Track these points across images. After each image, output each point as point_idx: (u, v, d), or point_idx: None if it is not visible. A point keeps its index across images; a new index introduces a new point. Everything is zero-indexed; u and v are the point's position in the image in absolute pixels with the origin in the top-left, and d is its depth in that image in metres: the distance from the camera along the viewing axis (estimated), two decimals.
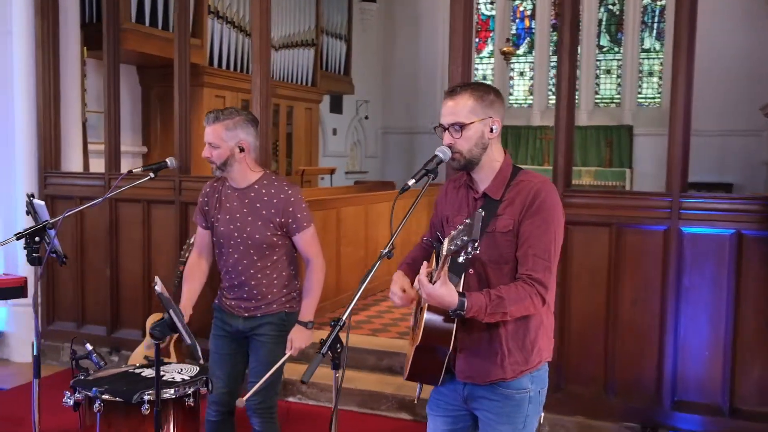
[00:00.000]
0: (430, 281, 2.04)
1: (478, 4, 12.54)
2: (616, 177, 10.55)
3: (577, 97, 11.95)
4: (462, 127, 2.22)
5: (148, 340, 4.27)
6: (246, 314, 3.07)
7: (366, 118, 11.78)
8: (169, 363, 2.85)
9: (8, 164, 5.43)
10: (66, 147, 5.57)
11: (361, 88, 10.99)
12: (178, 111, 5.02)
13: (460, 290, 2.19)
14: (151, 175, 3.00)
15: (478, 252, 1.89)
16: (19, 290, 3.38)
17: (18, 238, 2.61)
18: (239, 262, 3.04)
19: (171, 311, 1.86)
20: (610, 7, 11.75)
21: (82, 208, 2.89)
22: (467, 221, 1.87)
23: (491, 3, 12.45)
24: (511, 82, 12.47)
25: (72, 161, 5.63)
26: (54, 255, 2.78)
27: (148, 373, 2.67)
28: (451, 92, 2.27)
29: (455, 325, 2.16)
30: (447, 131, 2.25)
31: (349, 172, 11.51)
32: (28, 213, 2.80)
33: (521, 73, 12.42)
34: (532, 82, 12.21)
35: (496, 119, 2.26)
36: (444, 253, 1.91)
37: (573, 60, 4.10)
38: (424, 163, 2.23)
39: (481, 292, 2.13)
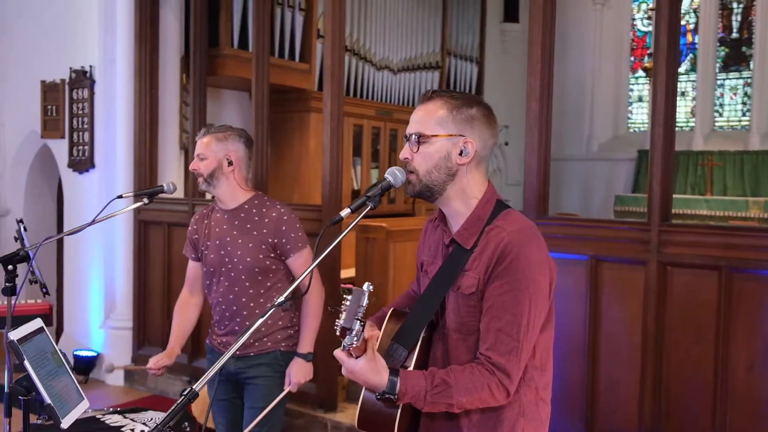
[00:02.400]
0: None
1: (634, 20, 11.56)
2: None
3: (748, 117, 10.57)
4: (421, 138, 1.74)
5: None
6: (238, 352, 2.75)
7: (506, 144, 11.18)
8: (144, 411, 2.57)
9: (110, 189, 5.56)
10: (163, 173, 5.61)
11: (500, 112, 10.36)
12: (255, 134, 4.84)
13: (411, 367, 1.71)
14: (145, 200, 2.79)
15: (357, 343, 1.43)
16: (44, 318, 3.28)
17: None
18: (230, 290, 2.76)
19: (26, 362, 1.57)
20: None
21: (57, 237, 2.72)
22: (348, 297, 1.42)
23: (648, 18, 11.42)
24: None
25: None
26: (35, 284, 2.63)
27: (113, 420, 2.40)
28: (424, 97, 1.80)
29: (400, 410, 1.67)
30: (407, 143, 1.79)
31: None
32: (16, 240, 2.68)
33: (683, 93, 11.22)
34: (694, 102, 10.98)
35: (470, 140, 1.73)
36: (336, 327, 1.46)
37: (672, 68, 3.40)
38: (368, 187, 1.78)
39: (423, 372, 1.63)
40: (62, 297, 6.15)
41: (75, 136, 5.71)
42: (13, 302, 2.51)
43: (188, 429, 1.39)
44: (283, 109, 6.91)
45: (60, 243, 6.35)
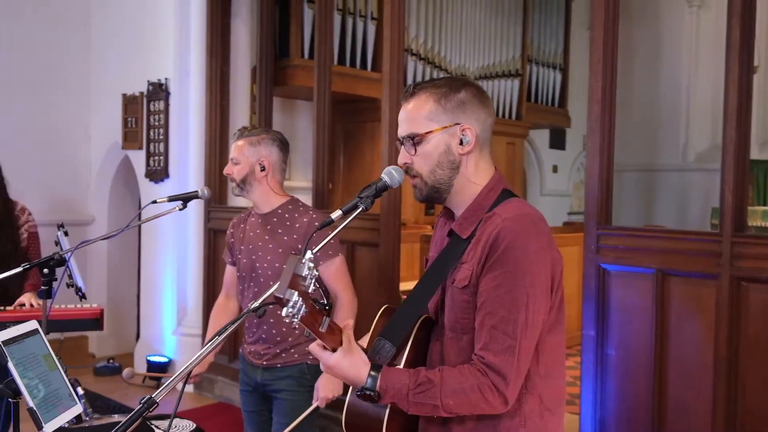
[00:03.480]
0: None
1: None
2: None
3: None
4: (415, 139, 1.62)
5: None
6: (264, 362, 2.71)
7: None
8: (169, 418, 2.53)
9: None
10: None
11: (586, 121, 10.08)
12: (317, 142, 4.82)
13: (401, 365, 1.59)
14: (180, 204, 2.78)
15: (295, 321, 1.31)
16: (94, 322, 3.34)
17: (24, 270, 2.51)
18: (258, 296, 2.68)
19: (10, 364, 1.55)
20: None
21: (98, 239, 2.74)
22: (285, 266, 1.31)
23: None
24: None
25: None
26: (71, 287, 2.67)
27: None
28: (406, 92, 1.68)
29: (388, 411, 1.55)
30: (403, 146, 1.67)
31: (573, 212, 10.58)
32: (56, 244, 2.73)
33: None
34: None
35: (467, 126, 1.60)
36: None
37: (746, 65, 3.10)
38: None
39: (408, 369, 1.51)
40: (139, 304, 6.34)
41: (151, 146, 5.88)
42: (48, 305, 2.55)
43: None
44: (355, 118, 6.91)
45: (138, 251, 6.56)
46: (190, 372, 1.44)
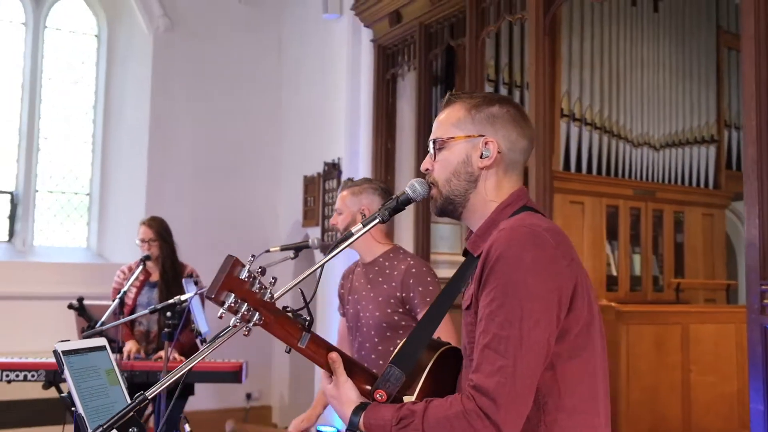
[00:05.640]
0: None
1: None
2: None
3: None
4: (437, 143, 1.57)
5: None
6: None
7: None
8: None
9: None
10: None
11: None
12: None
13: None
14: (291, 255, 2.88)
15: (243, 327, 1.28)
16: (233, 375, 3.51)
17: (151, 312, 2.74)
18: (362, 346, 2.71)
19: (66, 372, 1.66)
20: None
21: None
22: None
23: None
24: None
25: None
26: (192, 331, 2.84)
27: None
28: (443, 102, 1.65)
29: None
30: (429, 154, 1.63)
31: None
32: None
33: None
34: None
35: (491, 140, 1.53)
36: None
37: None
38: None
39: (394, 405, 1.41)
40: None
41: (326, 223, 6.22)
42: (170, 348, 2.74)
43: None
44: None
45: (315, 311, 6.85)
46: (187, 370, 1.46)
